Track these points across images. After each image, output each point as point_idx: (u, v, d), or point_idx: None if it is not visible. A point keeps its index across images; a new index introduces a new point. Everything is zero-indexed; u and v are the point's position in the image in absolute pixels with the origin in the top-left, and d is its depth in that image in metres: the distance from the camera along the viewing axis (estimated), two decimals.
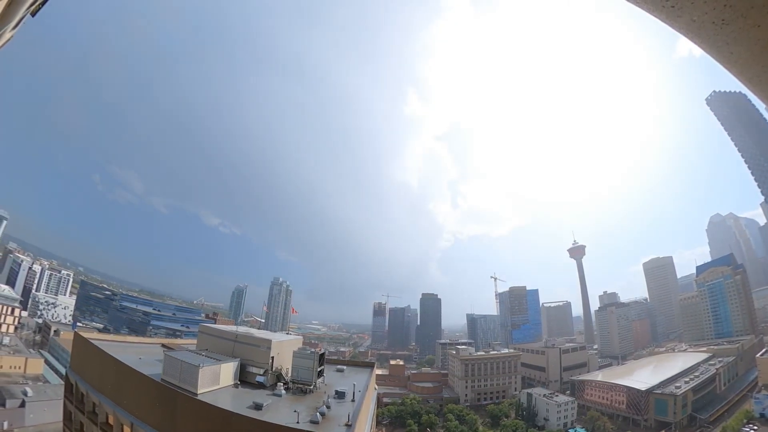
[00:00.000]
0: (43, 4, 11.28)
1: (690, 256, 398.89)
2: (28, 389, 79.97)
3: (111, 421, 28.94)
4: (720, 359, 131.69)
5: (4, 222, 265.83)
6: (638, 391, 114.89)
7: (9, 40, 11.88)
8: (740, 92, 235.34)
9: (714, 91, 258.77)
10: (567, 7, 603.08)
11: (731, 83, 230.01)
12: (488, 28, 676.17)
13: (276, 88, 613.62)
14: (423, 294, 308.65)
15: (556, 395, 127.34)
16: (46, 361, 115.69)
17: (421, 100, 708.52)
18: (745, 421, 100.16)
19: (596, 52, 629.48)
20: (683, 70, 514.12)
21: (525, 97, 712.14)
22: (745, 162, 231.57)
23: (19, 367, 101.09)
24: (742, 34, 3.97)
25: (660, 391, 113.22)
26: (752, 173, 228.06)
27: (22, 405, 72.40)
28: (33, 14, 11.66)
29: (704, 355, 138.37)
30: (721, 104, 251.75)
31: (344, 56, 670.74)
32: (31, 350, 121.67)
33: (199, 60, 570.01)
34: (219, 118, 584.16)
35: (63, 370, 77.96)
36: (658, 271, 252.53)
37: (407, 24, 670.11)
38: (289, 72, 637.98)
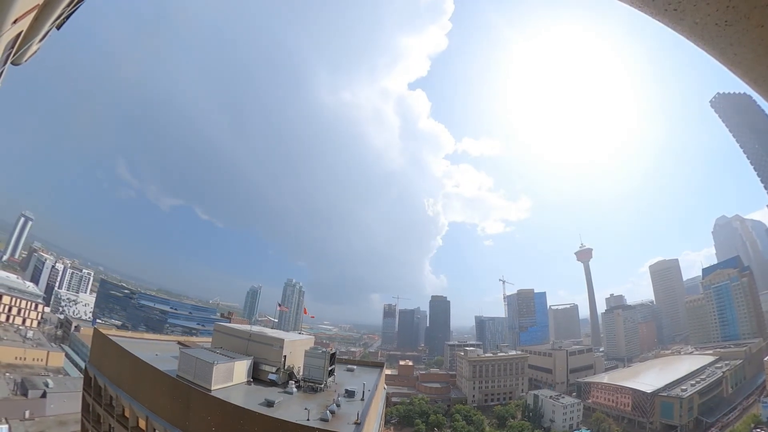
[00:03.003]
0: (67, 18, 11.84)
1: (696, 258, 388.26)
2: (49, 381, 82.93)
3: (127, 413, 29.73)
4: (727, 362, 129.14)
5: (30, 222, 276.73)
6: (644, 393, 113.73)
7: (36, 52, 12.50)
8: (745, 93, 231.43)
9: (718, 93, 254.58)
10: (567, 12, 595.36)
11: (735, 84, 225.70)
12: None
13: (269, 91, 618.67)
14: (432, 296, 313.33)
15: (563, 397, 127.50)
16: (67, 355, 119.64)
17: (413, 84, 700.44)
18: (752, 425, 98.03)
19: (598, 56, 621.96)
20: (686, 73, 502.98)
21: (526, 103, 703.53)
22: (751, 163, 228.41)
23: (42, 360, 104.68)
24: (745, 35, 3.98)
25: (666, 394, 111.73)
26: (758, 174, 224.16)
27: (44, 396, 75.24)
28: (58, 28, 12.24)
29: (711, 358, 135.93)
30: (726, 106, 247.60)
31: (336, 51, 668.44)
32: (52, 344, 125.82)
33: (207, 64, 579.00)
34: (221, 123, 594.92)
35: (82, 364, 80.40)
36: (664, 273, 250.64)
37: None
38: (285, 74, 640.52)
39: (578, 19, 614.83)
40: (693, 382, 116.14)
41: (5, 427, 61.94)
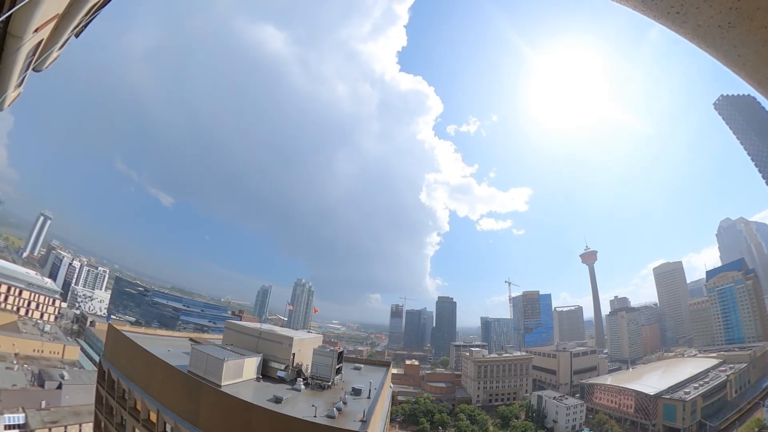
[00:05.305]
0: (85, 27, 12.26)
1: (700, 261, 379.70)
2: (65, 373, 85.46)
3: (139, 407, 30.40)
4: (731, 366, 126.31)
5: (49, 221, 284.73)
6: (647, 395, 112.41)
7: (56, 59, 12.96)
8: (749, 95, 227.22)
9: (722, 95, 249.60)
10: (568, 15, 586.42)
11: (739, 86, 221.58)
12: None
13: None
14: (439, 297, 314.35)
15: (566, 398, 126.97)
16: (82, 349, 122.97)
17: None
18: (756, 429, 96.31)
19: (599, 57, 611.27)
20: (690, 75, 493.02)
21: (528, 107, 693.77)
22: (755, 165, 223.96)
23: (58, 353, 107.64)
24: (749, 37, 3.96)
25: (669, 397, 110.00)
26: (762, 176, 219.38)
27: (59, 387, 77.59)
28: (77, 35, 12.68)
29: (714, 361, 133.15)
30: (730, 108, 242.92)
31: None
32: (68, 338, 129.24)
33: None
34: (231, 131, 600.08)
35: (97, 358, 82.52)
36: (668, 275, 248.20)
37: None
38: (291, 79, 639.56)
39: (579, 18, 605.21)
40: (696, 385, 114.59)
41: (22, 415, 63.99)
